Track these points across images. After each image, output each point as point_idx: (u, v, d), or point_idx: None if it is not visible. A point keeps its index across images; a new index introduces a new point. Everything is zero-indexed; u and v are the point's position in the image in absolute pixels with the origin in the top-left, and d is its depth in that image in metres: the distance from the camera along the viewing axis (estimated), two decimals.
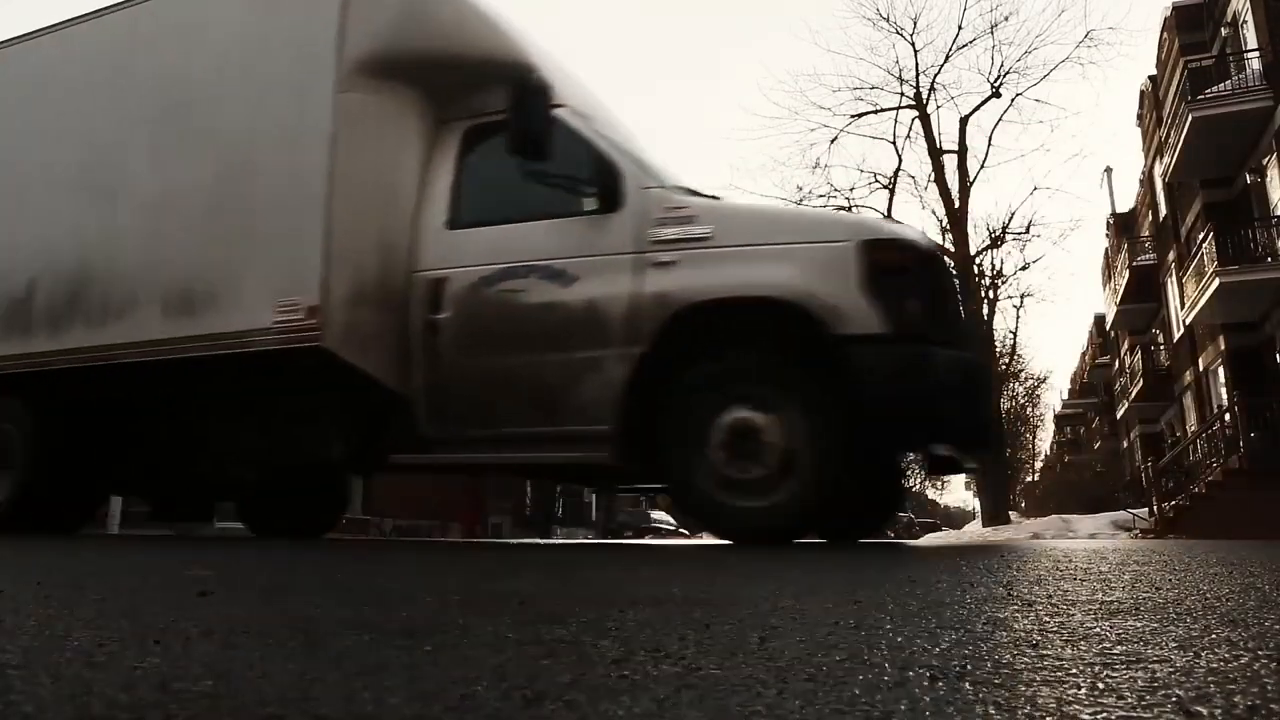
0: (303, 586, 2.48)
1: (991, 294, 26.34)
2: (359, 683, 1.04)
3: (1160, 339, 27.39)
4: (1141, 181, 28.49)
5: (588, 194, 4.96)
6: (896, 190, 23.41)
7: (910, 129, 23.40)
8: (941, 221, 23.43)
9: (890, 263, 4.40)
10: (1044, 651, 1.33)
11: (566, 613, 1.76)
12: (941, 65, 23.25)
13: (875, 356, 4.31)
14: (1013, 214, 24.74)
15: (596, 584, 2.68)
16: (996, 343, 27.73)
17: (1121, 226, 31.51)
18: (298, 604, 1.99)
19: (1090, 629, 1.58)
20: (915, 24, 28.49)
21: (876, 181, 23.64)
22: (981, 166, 22.98)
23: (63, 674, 1.11)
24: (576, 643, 1.40)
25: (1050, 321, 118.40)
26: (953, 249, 22.90)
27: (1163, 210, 24.47)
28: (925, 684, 1.08)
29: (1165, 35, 22.23)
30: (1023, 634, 1.51)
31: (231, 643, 1.37)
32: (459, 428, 5.05)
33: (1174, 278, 22.51)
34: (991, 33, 23.26)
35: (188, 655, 1.24)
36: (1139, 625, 1.63)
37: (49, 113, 6.41)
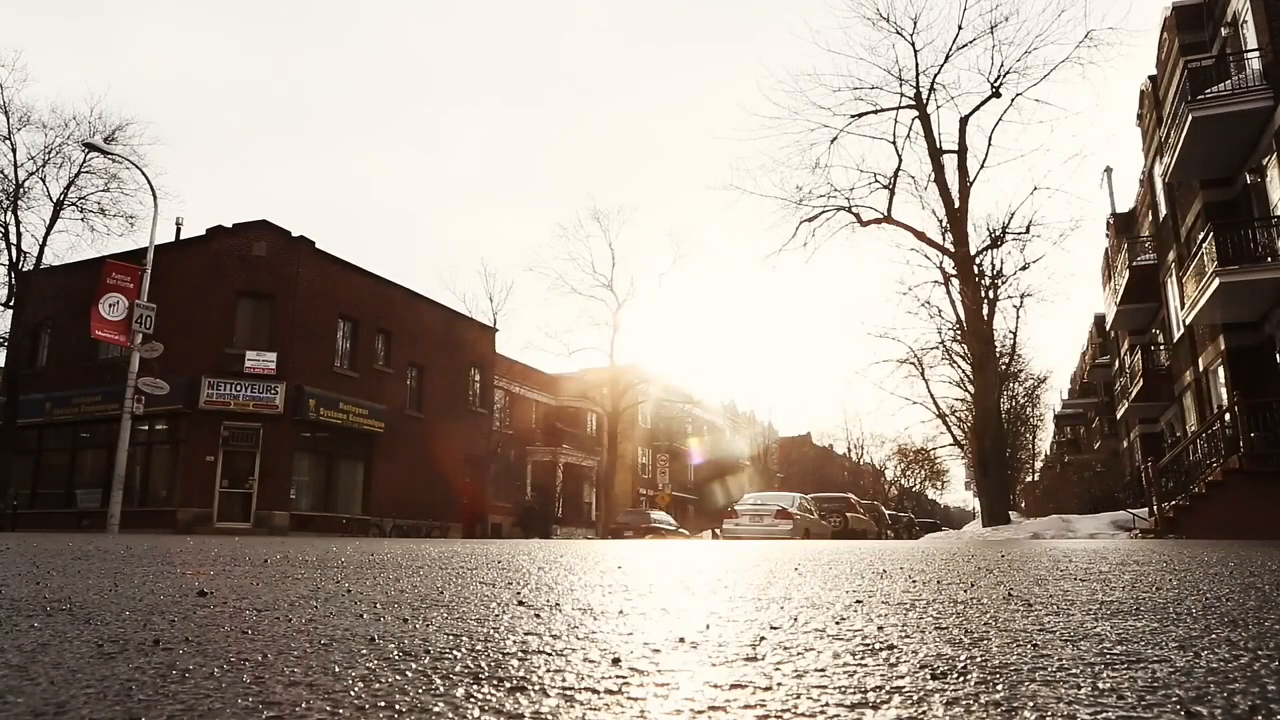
0: None
1: (991, 294, 26.35)
2: None
3: (1160, 339, 27.39)
4: (1141, 181, 28.51)
5: None
6: (896, 190, 23.43)
7: (910, 129, 23.39)
8: (942, 221, 23.44)
9: None
10: (1044, 652, 1.33)
11: None
12: (941, 65, 23.26)
13: None
14: (1013, 214, 24.72)
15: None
16: (996, 343, 27.74)
17: (1121, 226, 31.50)
18: None
19: (1090, 629, 1.58)
20: (915, 24, 28.58)
21: (876, 181, 23.66)
22: (981, 166, 22.98)
23: None
24: None
25: (1050, 321, 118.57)
26: (953, 249, 22.92)
27: (1163, 210, 24.49)
28: (925, 682, 1.08)
29: (1165, 35, 22.24)
30: (1023, 634, 1.51)
31: None
32: None
33: (1174, 278, 22.52)
34: (991, 33, 23.29)
35: None
36: (1139, 625, 1.63)
37: None
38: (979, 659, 1.26)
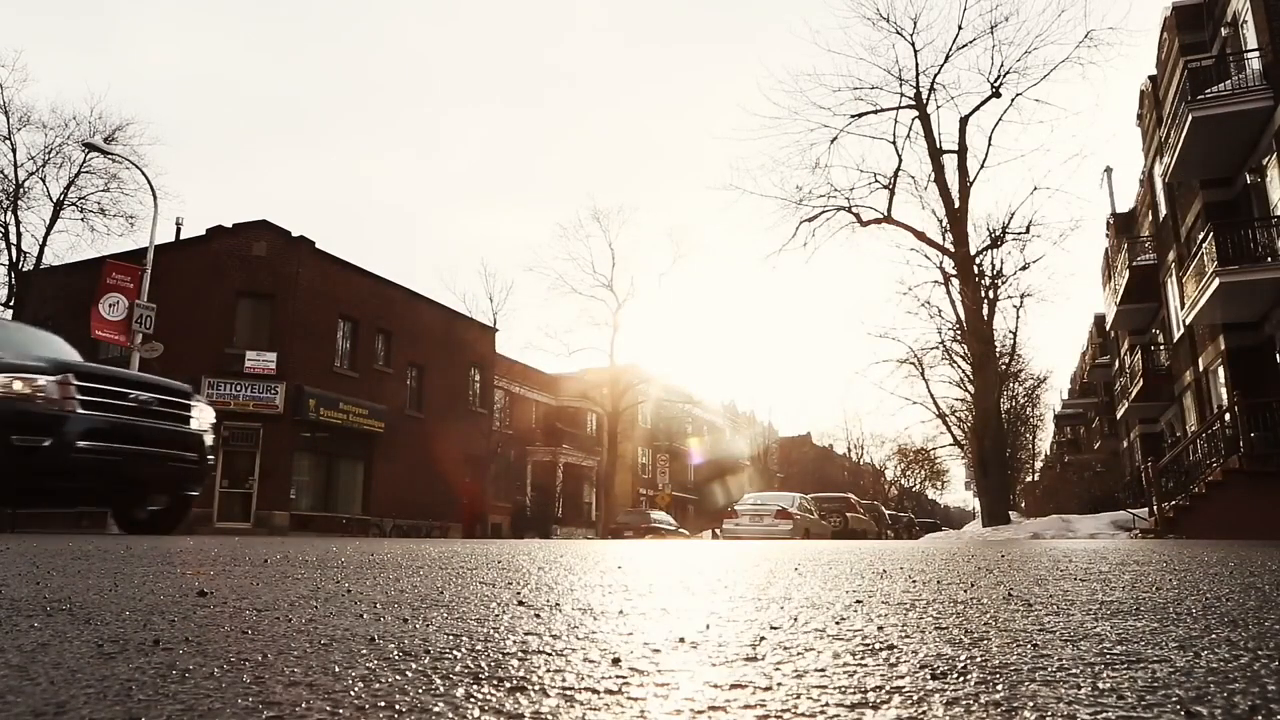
0: None
1: (991, 294, 26.36)
2: None
3: (1160, 339, 27.39)
4: (1141, 181, 28.51)
5: None
6: (896, 190, 23.44)
7: (910, 129, 23.41)
8: (942, 221, 23.46)
9: None
10: (1044, 652, 1.33)
11: None
12: (941, 65, 23.29)
13: None
14: (1012, 214, 24.77)
15: None
16: (996, 343, 27.73)
17: (1121, 226, 31.53)
18: None
19: (1090, 629, 1.58)
20: (915, 24, 28.62)
21: (876, 181, 23.67)
22: (981, 166, 23.01)
23: None
24: None
25: (1050, 321, 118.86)
26: (953, 249, 22.91)
27: (1163, 210, 24.48)
28: (925, 682, 1.08)
29: (1165, 35, 22.23)
30: (1023, 634, 1.51)
31: None
32: None
33: (1174, 278, 22.51)
34: (991, 33, 23.32)
35: None
36: (1139, 625, 1.63)
37: None
38: (979, 659, 1.26)
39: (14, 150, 25.48)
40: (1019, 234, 24.15)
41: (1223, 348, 18.92)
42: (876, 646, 1.37)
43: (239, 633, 1.48)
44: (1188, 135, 17.11)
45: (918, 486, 77.42)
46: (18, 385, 6.47)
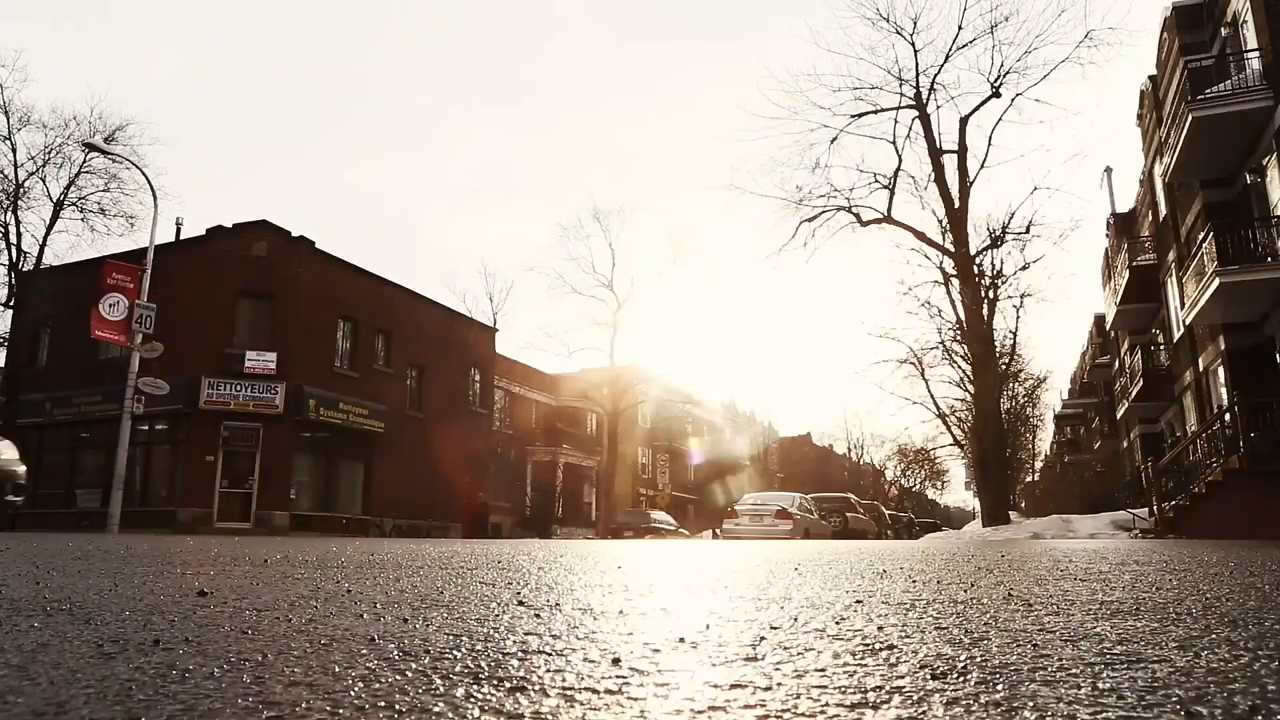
0: None
1: (991, 294, 26.36)
2: None
3: (1160, 339, 27.38)
4: (1141, 181, 28.50)
5: None
6: (896, 190, 23.41)
7: (910, 129, 23.37)
8: (942, 221, 23.44)
9: None
10: (1044, 652, 1.33)
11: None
12: (941, 65, 23.25)
13: None
14: (1013, 214, 24.72)
15: None
16: (996, 343, 27.73)
17: (1121, 226, 31.49)
18: None
19: (1090, 629, 1.58)
20: (915, 24, 28.52)
21: (876, 181, 23.64)
22: (981, 166, 22.96)
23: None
24: None
25: (1050, 321, 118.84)
26: (953, 249, 22.91)
27: (1163, 210, 24.47)
28: (925, 682, 1.08)
29: (1165, 35, 22.22)
30: (1023, 634, 1.51)
31: None
32: None
33: (1174, 278, 22.50)
34: (991, 33, 23.26)
35: None
36: (1139, 625, 1.63)
37: None
38: (979, 659, 1.26)
39: (14, 150, 25.46)
40: (1019, 234, 24.15)
41: (1223, 348, 18.92)
42: (877, 646, 1.37)
43: (239, 633, 1.48)
44: (1188, 135, 17.11)
45: (918, 486, 77.37)
46: None
